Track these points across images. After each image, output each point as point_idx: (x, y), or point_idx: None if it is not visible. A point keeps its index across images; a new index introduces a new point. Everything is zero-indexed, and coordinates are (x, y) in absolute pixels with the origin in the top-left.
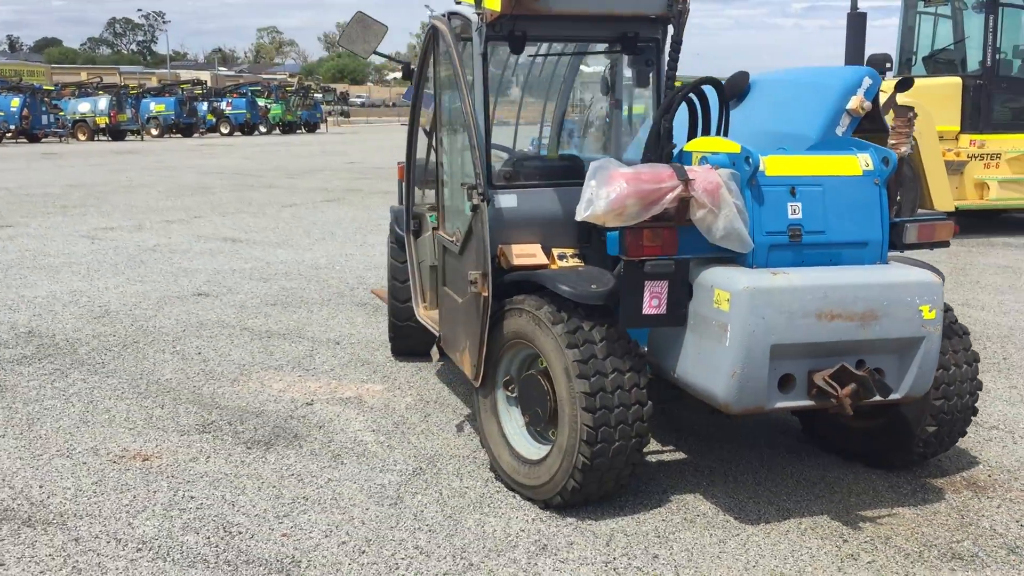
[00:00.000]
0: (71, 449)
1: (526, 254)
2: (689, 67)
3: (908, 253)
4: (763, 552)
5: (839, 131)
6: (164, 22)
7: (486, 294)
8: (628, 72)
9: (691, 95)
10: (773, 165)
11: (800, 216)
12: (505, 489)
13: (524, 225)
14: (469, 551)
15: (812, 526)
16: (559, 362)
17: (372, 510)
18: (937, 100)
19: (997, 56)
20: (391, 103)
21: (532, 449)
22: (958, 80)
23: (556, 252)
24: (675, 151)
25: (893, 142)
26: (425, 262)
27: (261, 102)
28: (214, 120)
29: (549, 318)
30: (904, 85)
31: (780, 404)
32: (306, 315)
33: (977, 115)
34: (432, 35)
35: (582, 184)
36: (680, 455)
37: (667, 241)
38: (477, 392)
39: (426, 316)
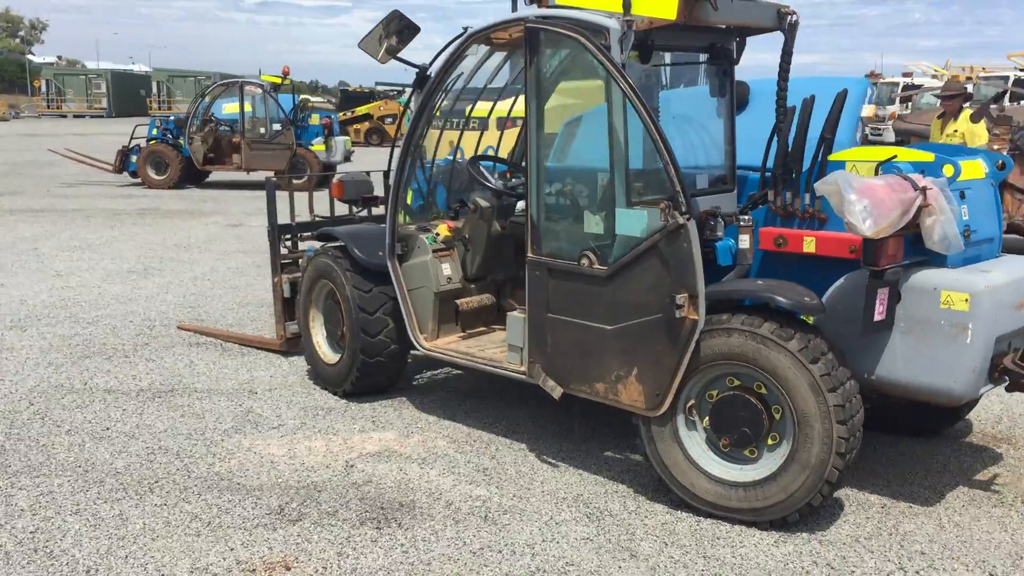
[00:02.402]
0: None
1: None
2: (163, 59)
3: None
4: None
5: (858, 136)
6: None
7: (695, 317)
8: (709, 81)
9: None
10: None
11: (968, 217)
12: (701, 518)
13: None
14: None
15: (987, 498)
16: (802, 378)
17: (629, 567)
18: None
19: None
20: None
21: (735, 472)
22: None
23: None
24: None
25: (996, 147)
26: (426, 287)
27: None
28: None
29: (779, 335)
30: (999, 98)
31: (981, 390)
32: (151, 365)
33: None
34: (531, 42)
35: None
36: None
37: (901, 249)
38: (649, 422)
39: (438, 346)
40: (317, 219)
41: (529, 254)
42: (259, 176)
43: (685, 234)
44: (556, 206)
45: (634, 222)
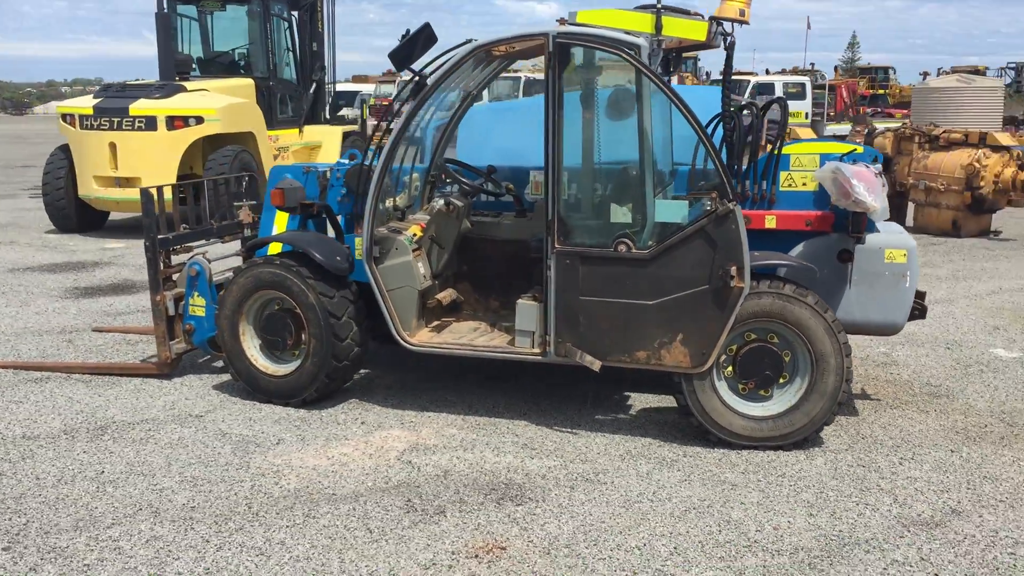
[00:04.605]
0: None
1: None
2: None
3: None
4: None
5: None
6: None
7: (742, 285)
8: None
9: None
10: None
11: None
12: (739, 451)
13: None
14: (892, 485)
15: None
16: (819, 325)
17: (744, 495)
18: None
19: (274, 61)
20: None
21: (758, 408)
22: (250, 81)
23: None
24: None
25: (858, 140)
26: (409, 286)
27: None
28: None
29: (799, 293)
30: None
31: None
32: (23, 407)
33: (270, 113)
34: (559, 55)
35: None
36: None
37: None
38: (691, 379)
39: (424, 341)
40: (185, 231)
41: (556, 246)
42: None
43: (734, 217)
44: (580, 201)
45: (675, 211)
